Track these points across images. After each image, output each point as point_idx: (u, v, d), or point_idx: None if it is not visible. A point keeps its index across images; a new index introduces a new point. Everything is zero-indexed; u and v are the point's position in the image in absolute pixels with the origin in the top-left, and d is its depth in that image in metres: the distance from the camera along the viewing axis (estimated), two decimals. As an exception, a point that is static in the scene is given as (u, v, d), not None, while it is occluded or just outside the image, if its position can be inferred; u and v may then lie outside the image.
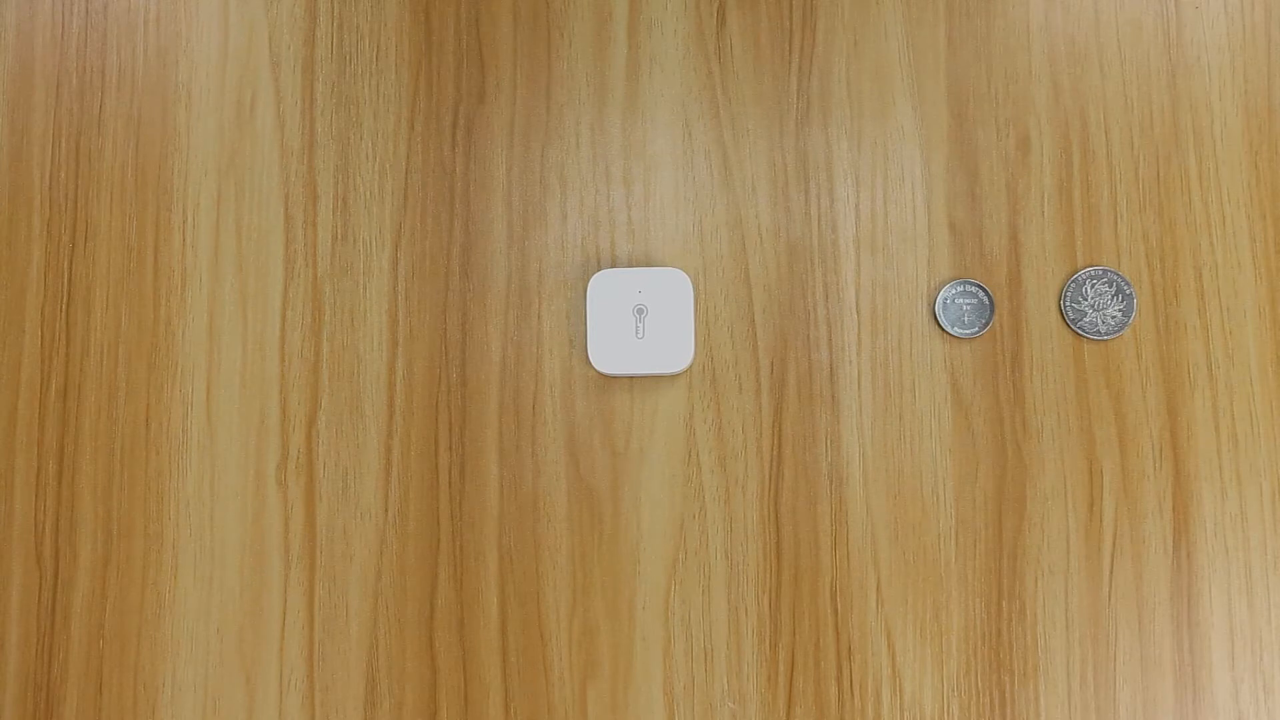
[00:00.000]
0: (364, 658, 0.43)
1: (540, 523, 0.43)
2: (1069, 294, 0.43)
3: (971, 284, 0.44)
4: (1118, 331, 0.43)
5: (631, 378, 0.44)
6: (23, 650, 0.44)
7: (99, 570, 0.44)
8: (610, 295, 0.43)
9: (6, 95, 0.47)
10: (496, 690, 0.42)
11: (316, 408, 0.44)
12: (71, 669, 0.43)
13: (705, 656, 0.42)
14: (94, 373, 0.45)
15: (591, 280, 0.43)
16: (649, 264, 0.45)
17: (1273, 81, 0.45)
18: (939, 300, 0.44)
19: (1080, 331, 0.43)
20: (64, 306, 0.45)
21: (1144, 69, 0.45)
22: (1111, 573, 0.42)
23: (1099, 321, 0.43)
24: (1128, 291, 0.43)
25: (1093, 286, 0.43)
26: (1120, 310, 0.43)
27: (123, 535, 0.44)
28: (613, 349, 0.43)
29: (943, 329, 0.44)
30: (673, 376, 0.44)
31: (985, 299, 0.43)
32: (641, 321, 0.43)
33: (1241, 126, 0.44)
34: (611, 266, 0.45)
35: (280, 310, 0.45)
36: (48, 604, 0.44)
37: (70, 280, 0.46)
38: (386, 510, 0.43)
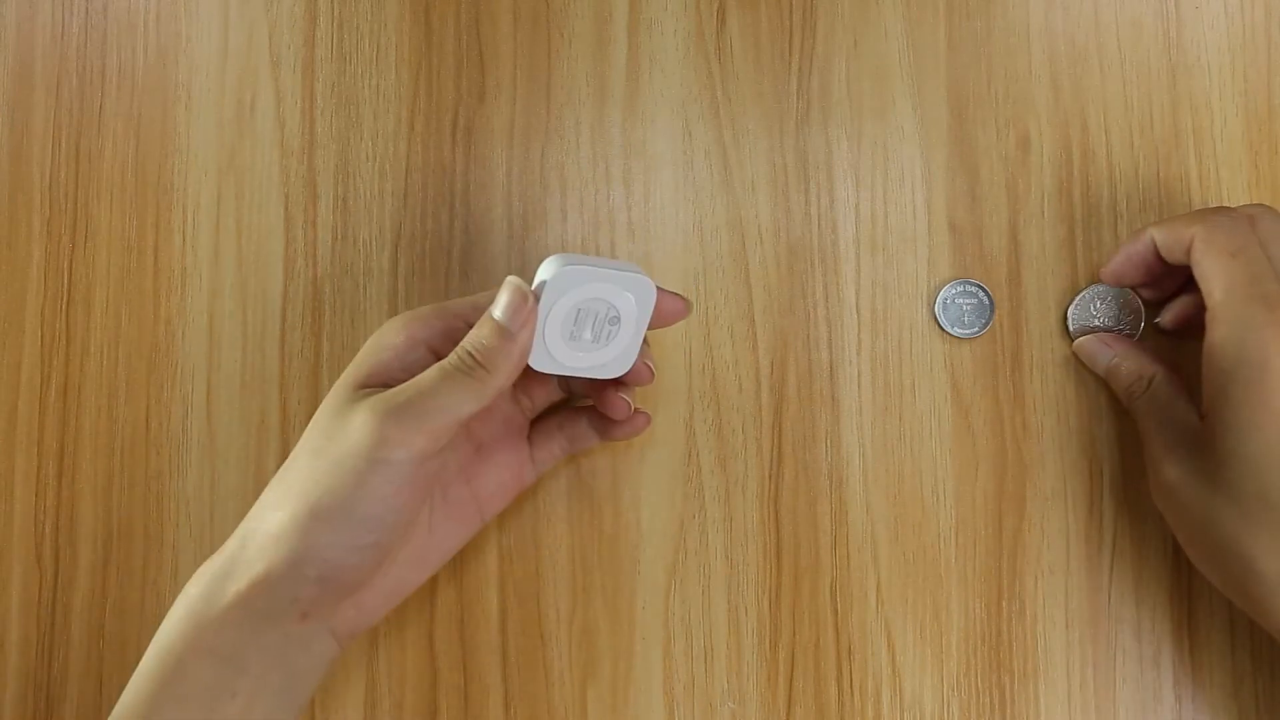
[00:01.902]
0: (363, 657, 0.43)
1: (540, 522, 0.43)
2: (1077, 310, 0.43)
3: (971, 284, 0.44)
4: (1118, 331, 0.43)
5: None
6: (23, 650, 0.44)
7: (99, 570, 0.44)
8: (564, 291, 0.36)
9: (6, 95, 0.47)
10: (496, 690, 0.42)
11: (316, 408, 0.44)
12: (71, 669, 0.43)
13: (705, 656, 0.42)
14: (94, 373, 0.45)
15: (544, 264, 0.37)
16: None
17: (1273, 81, 0.45)
18: (939, 300, 0.44)
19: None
20: (64, 306, 0.45)
21: (1144, 69, 0.45)
22: (1111, 572, 0.42)
23: (1102, 328, 0.43)
24: (1135, 306, 0.43)
25: (1100, 303, 0.43)
26: (1128, 323, 0.43)
27: (123, 535, 0.44)
28: (552, 347, 0.37)
29: (943, 329, 0.44)
30: (673, 378, 0.44)
31: (985, 299, 0.43)
32: (590, 324, 0.37)
33: (1242, 126, 0.44)
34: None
35: (280, 310, 0.45)
36: (48, 604, 0.44)
37: (70, 280, 0.46)
38: (386, 510, 0.43)
